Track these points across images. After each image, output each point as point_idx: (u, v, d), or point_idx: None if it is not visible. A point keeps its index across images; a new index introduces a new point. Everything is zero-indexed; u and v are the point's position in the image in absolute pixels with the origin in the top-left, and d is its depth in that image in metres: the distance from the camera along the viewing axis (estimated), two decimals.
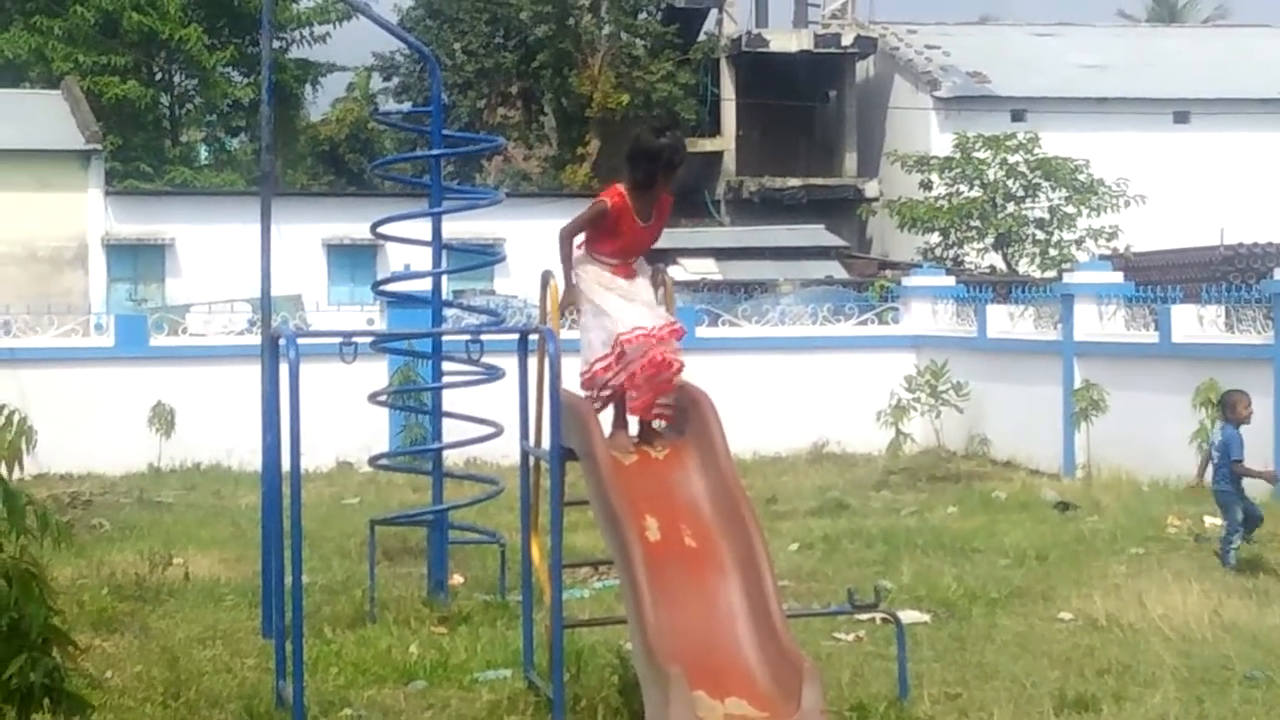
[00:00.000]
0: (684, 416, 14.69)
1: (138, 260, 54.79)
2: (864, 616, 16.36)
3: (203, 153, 67.66)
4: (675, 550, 13.53)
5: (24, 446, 12.08)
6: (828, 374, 37.29)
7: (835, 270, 58.52)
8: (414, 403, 23.69)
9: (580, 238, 14.10)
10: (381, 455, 23.88)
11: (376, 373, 23.54)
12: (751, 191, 67.16)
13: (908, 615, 16.64)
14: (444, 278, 20.82)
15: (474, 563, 20.58)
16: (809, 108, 69.68)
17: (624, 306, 13.83)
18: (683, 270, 52.26)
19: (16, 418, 12.06)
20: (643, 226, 14.06)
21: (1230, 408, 22.43)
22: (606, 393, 13.93)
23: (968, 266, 52.33)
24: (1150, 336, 32.30)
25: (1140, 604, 18.34)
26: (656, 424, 14.27)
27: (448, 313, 21.25)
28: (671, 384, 13.95)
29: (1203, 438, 28.42)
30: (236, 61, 64.99)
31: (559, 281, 14.23)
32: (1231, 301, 31.36)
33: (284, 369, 14.84)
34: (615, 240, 14.02)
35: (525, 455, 15.91)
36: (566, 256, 14.22)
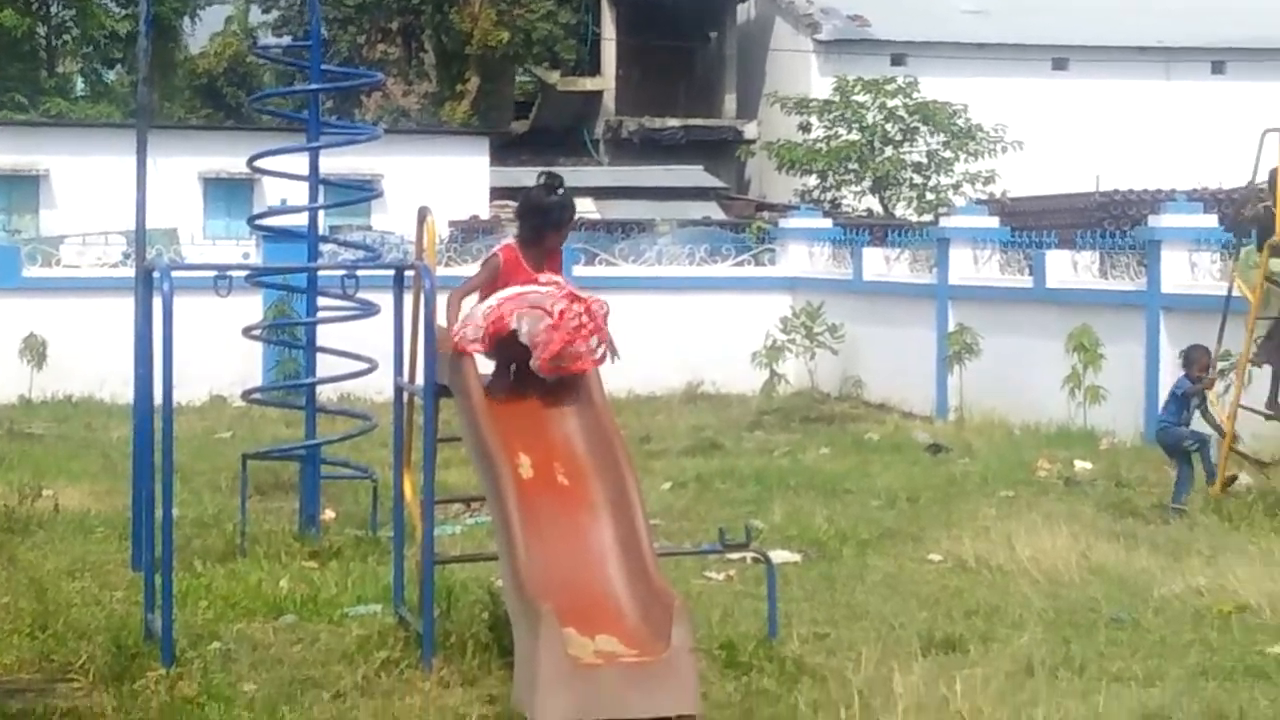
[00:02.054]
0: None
1: (11, 191, 54.56)
2: (735, 556, 16.41)
3: (79, 84, 67.33)
4: (548, 488, 13.57)
5: None
6: (703, 315, 37.34)
7: (713, 211, 58.70)
8: (288, 337, 23.61)
9: (473, 298, 14.17)
10: (255, 390, 23.79)
11: (251, 307, 23.46)
12: (630, 131, 67.22)
13: (778, 555, 16.71)
14: (321, 213, 20.74)
15: (346, 498, 20.55)
16: (689, 48, 69.72)
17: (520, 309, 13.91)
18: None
19: None
20: (535, 276, 14.16)
21: (1188, 364, 22.44)
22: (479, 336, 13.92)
23: (845, 209, 52.51)
24: (1024, 281, 32.47)
25: (1009, 546, 18.43)
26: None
27: (324, 248, 21.16)
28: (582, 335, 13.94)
29: (1074, 382, 28.65)
30: None
31: (456, 335, 14.18)
32: (1106, 248, 31.54)
33: (157, 302, 14.77)
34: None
35: (399, 391, 15.89)
36: (453, 316, 14.22)
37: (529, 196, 14.80)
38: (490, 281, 14.18)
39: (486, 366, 14.44)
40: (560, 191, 14.63)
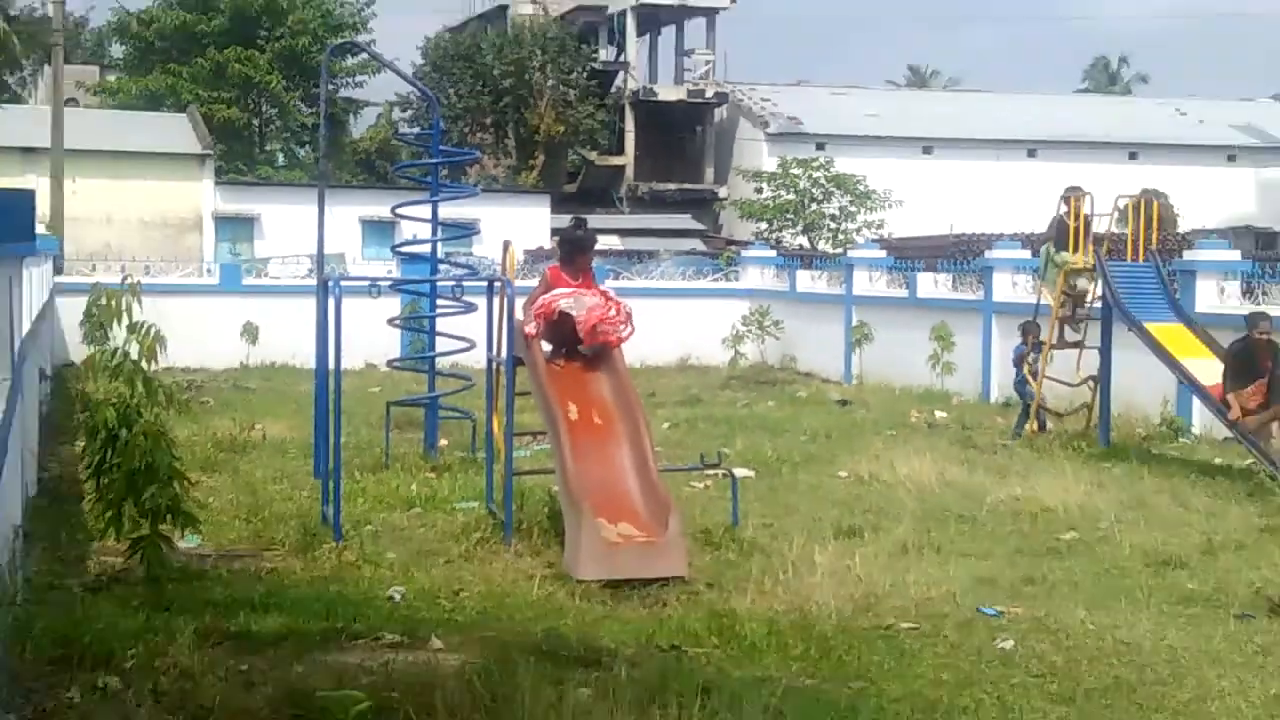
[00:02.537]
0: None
1: (236, 228, 54.56)
2: (710, 472, 16.40)
3: (280, 157, 67.21)
4: (587, 426, 13.76)
5: (158, 349, 12.02)
6: (691, 313, 37.38)
7: (698, 245, 58.79)
8: (417, 325, 23.62)
9: (540, 302, 14.29)
10: (396, 359, 23.90)
11: (393, 305, 23.51)
12: (643, 192, 67.33)
13: (740, 471, 16.66)
14: (439, 244, 20.77)
15: (455, 432, 20.56)
16: (682, 137, 69.69)
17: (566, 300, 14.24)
18: (600, 244, 52.18)
19: (154, 330, 12.00)
20: (575, 284, 14.44)
21: (1024, 334, 22.83)
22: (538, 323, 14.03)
23: (785, 245, 52.38)
24: (902, 293, 32.51)
25: (891, 467, 18.42)
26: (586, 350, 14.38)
27: (441, 267, 21.15)
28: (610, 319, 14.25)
29: (935, 360, 28.71)
30: (304, 98, 64.56)
31: (525, 326, 14.31)
32: (956, 271, 31.60)
33: (330, 301, 14.84)
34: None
35: (490, 361, 16.02)
36: (526, 315, 14.34)
37: (564, 232, 15.34)
38: (544, 290, 14.41)
39: (548, 348, 14.59)
40: (583, 229, 15.22)
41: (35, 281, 20.35)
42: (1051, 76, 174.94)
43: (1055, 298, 22.38)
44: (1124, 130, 66.90)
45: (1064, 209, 22.59)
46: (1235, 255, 25.48)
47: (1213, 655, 10.28)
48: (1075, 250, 22.09)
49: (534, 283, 15.25)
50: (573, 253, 14.72)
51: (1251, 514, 16.02)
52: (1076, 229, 22.10)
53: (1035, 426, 22.39)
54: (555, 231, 55.07)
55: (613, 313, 14.24)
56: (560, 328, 14.19)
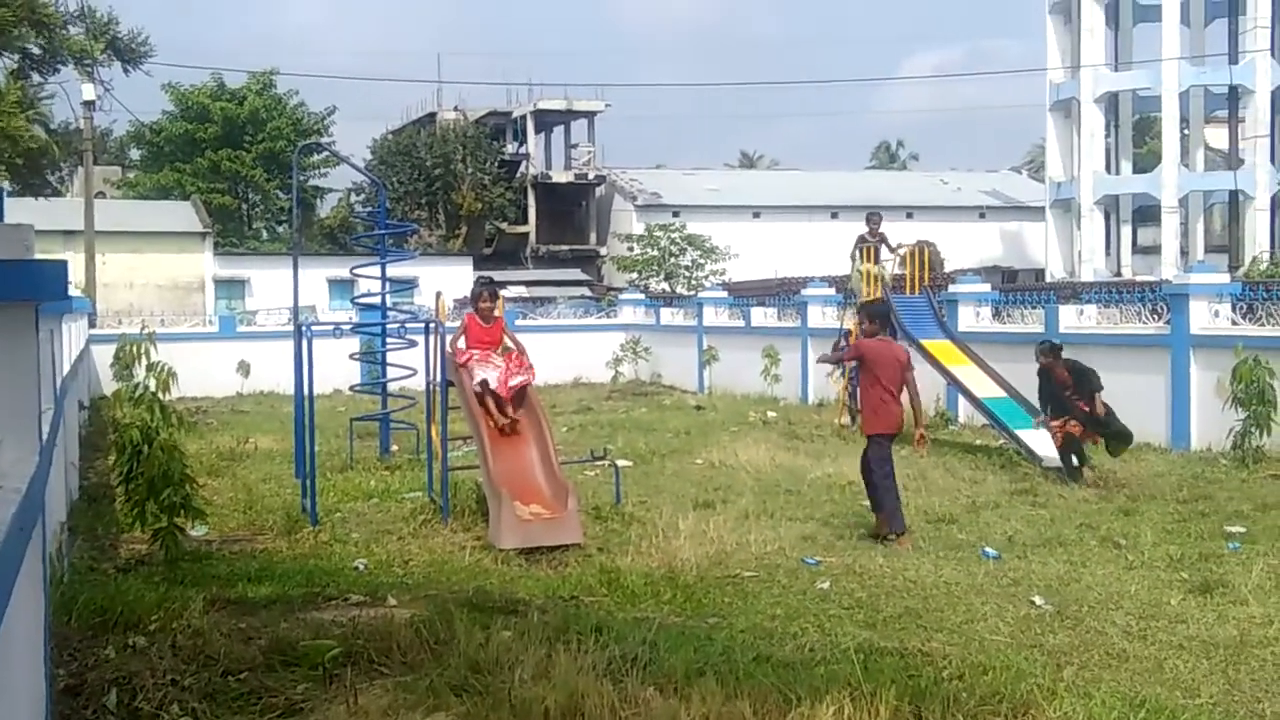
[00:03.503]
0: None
1: (231, 288, 54.09)
2: (599, 463, 16.40)
3: (263, 233, 66.62)
4: (503, 431, 13.64)
5: (171, 383, 11.86)
6: (581, 343, 37.35)
7: (586, 292, 58.89)
8: (372, 359, 23.43)
9: (461, 342, 14.23)
10: (356, 385, 23.70)
11: (353, 344, 23.24)
12: (543, 252, 67.45)
13: (621, 462, 16.65)
14: (387, 296, 20.63)
15: (403, 439, 20.43)
16: (572, 209, 69.83)
17: (482, 368, 13.96)
18: (508, 292, 52.12)
19: (167, 369, 11.83)
20: (484, 328, 14.31)
21: (833, 348, 21.33)
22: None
23: (651, 289, 52.53)
24: (740, 323, 32.68)
25: (735, 455, 18.51)
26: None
27: (389, 313, 20.99)
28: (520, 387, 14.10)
29: (766, 373, 28.89)
30: (280, 187, 64.11)
31: (447, 356, 14.42)
32: (780, 306, 31.80)
33: (304, 342, 14.68)
34: (472, 339, 14.22)
35: (428, 384, 15.87)
36: (453, 349, 14.31)
37: (473, 288, 14.87)
38: (464, 332, 14.31)
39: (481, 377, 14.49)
40: (482, 284, 14.80)
41: (74, 333, 19.98)
42: (847, 157, 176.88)
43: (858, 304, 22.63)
44: (902, 196, 67.77)
45: (866, 229, 23.06)
46: (986, 288, 25.89)
47: (977, 588, 10.41)
48: (868, 260, 22.70)
49: (459, 323, 15.13)
50: (477, 300, 14.49)
51: (1005, 481, 16.28)
52: (874, 245, 22.66)
53: (841, 423, 22.55)
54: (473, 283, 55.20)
55: (516, 366, 14.06)
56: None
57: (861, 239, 23.16)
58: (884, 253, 23.20)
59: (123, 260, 51.29)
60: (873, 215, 23.55)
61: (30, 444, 4.13)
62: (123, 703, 6.95)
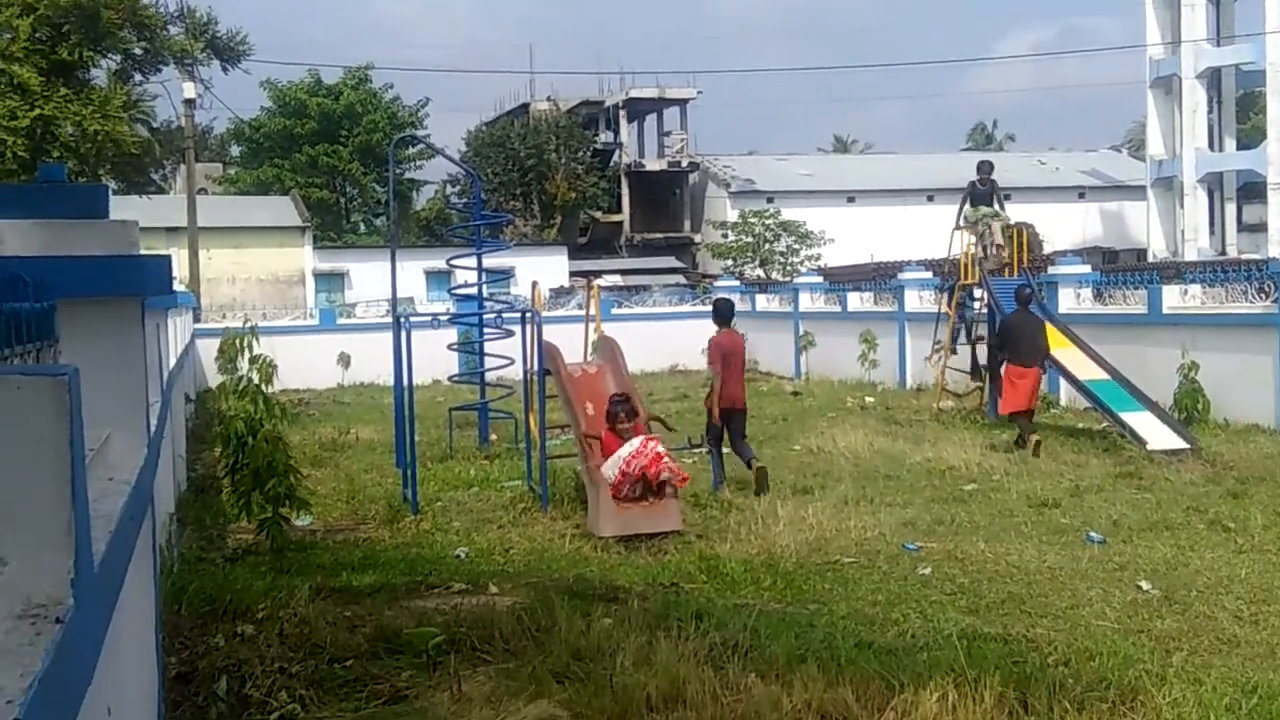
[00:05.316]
0: (607, 352, 14.81)
1: (330, 281, 54.63)
2: (695, 450, 16.38)
3: (361, 227, 67.40)
4: (600, 419, 13.65)
5: (273, 375, 12.03)
6: (677, 331, 37.10)
7: (681, 280, 58.73)
8: (470, 349, 23.60)
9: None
10: (455, 375, 23.89)
11: (451, 335, 23.42)
12: (638, 241, 67.26)
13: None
14: (484, 286, 20.75)
15: (501, 429, 20.55)
16: (666, 197, 69.65)
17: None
18: (603, 281, 52.23)
19: (270, 361, 11.99)
20: (620, 439, 12.77)
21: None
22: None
23: (746, 276, 52.33)
24: (837, 308, 32.42)
25: (833, 441, 18.41)
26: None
27: (486, 304, 21.12)
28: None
29: (863, 358, 28.69)
30: (377, 180, 64.70)
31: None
32: (877, 290, 31.52)
33: (403, 334, 14.81)
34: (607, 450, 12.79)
35: (525, 373, 15.96)
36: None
37: (609, 407, 13.28)
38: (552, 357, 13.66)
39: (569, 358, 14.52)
40: (622, 400, 13.36)
41: (180, 327, 20.35)
42: (942, 139, 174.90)
43: (966, 246, 22.30)
44: (999, 177, 65.95)
45: (976, 177, 22.68)
46: (1086, 269, 25.49)
47: (1081, 573, 10.26)
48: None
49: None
50: (612, 422, 13.03)
51: (1108, 464, 16.02)
52: (986, 194, 22.25)
53: (939, 406, 22.31)
54: (574, 273, 55.48)
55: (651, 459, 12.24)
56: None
57: (972, 185, 22.79)
58: (994, 203, 22.67)
59: (225, 255, 52.13)
60: (984, 163, 23.12)
61: (139, 436, 4.20)
62: (232, 690, 7.07)
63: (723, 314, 15.53)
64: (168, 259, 4.32)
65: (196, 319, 32.99)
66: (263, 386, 11.80)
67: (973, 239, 22.49)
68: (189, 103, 39.00)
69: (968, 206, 22.65)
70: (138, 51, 30.78)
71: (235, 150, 73.32)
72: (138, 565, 4.01)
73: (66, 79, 28.73)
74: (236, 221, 53.52)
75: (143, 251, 4.31)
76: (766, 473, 14.63)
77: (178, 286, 18.20)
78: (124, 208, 32.78)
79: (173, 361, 15.28)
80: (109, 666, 3.01)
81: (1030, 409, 18.24)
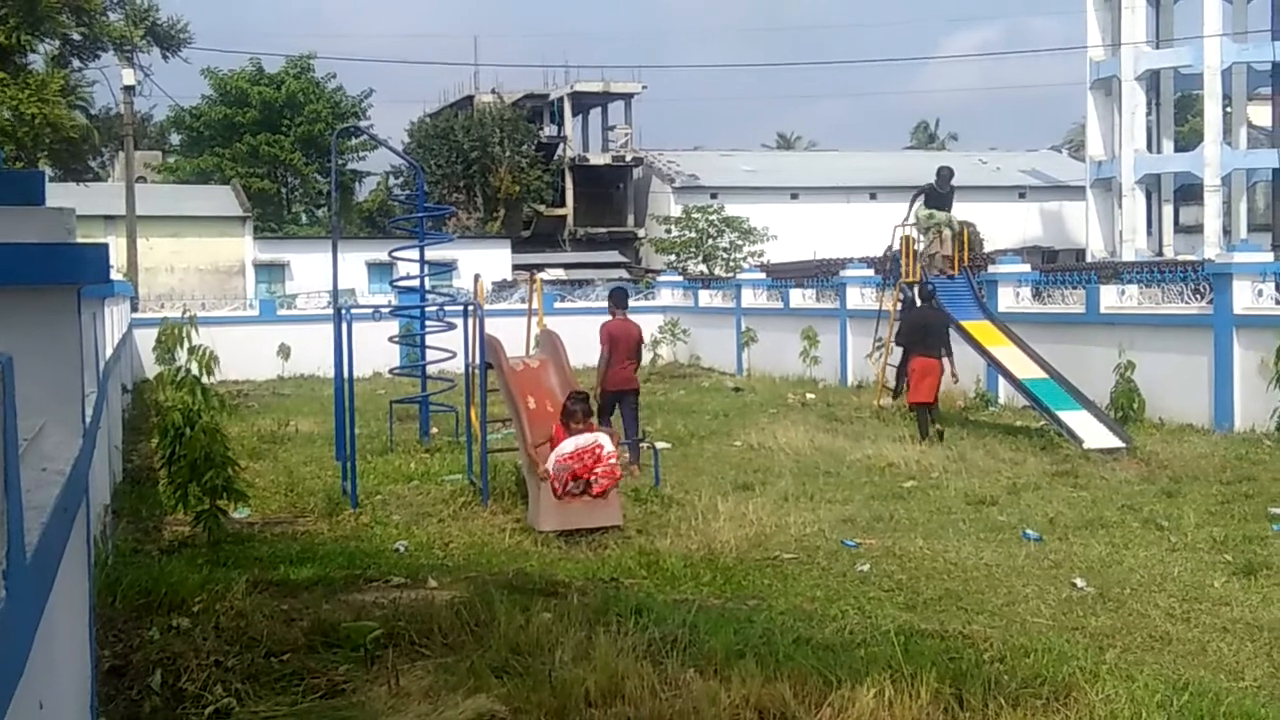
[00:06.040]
0: (549, 346, 14.77)
1: (271, 272, 54.23)
2: (639, 444, 16.39)
3: (302, 217, 66.91)
4: (542, 414, 13.64)
5: (212, 366, 11.91)
6: None
7: (624, 274, 58.86)
8: (411, 342, 23.51)
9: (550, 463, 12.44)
10: (395, 368, 23.80)
11: (392, 327, 23.33)
12: (581, 235, 67.20)
13: (660, 444, 16.70)
14: (426, 279, 20.68)
15: (442, 422, 20.49)
16: (609, 191, 69.63)
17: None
18: (548, 275, 52.15)
19: (209, 352, 11.87)
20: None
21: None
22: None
23: (689, 272, 52.41)
24: (779, 305, 32.52)
25: (774, 437, 18.49)
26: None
27: (428, 296, 21.05)
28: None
29: (805, 355, 28.80)
30: (319, 171, 64.32)
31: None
32: (819, 287, 31.67)
33: (344, 326, 14.72)
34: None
35: (467, 367, 15.91)
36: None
37: (567, 403, 12.91)
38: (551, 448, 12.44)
39: (511, 352, 14.47)
40: (582, 399, 12.98)
41: (117, 317, 20.12)
42: (885, 137, 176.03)
43: (913, 245, 22.54)
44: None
45: (935, 180, 22.83)
46: (1026, 268, 25.72)
47: (1017, 570, 10.36)
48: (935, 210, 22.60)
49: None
50: (567, 420, 12.69)
51: (1045, 463, 16.18)
52: (946, 197, 22.49)
53: (879, 404, 22.44)
54: (517, 267, 55.37)
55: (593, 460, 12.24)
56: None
57: (930, 187, 22.90)
58: (950, 210, 22.85)
59: (164, 244, 51.64)
60: (945, 169, 23.22)
61: (73, 426, 4.15)
62: (167, 683, 7.00)
63: (617, 301, 16.78)
64: (105, 247, 4.27)
65: (134, 309, 32.60)
66: (201, 377, 11.69)
67: (920, 239, 22.67)
68: (128, 89, 38.61)
69: (920, 206, 22.80)
70: (76, 36, 30.45)
71: (175, 139, 72.65)
72: (71, 557, 3.97)
73: (3, 63, 28.34)
74: (176, 211, 53.00)
75: (80, 240, 4.27)
76: (645, 450, 15.64)
77: (115, 275, 17.99)
78: (61, 195, 32.40)
79: (109, 351, 15.12)
80: (41, 659, 2.98)
81: (933, 402, 18.53)
